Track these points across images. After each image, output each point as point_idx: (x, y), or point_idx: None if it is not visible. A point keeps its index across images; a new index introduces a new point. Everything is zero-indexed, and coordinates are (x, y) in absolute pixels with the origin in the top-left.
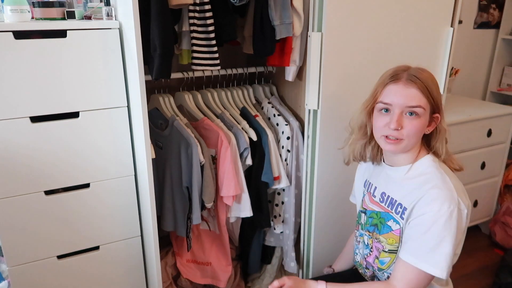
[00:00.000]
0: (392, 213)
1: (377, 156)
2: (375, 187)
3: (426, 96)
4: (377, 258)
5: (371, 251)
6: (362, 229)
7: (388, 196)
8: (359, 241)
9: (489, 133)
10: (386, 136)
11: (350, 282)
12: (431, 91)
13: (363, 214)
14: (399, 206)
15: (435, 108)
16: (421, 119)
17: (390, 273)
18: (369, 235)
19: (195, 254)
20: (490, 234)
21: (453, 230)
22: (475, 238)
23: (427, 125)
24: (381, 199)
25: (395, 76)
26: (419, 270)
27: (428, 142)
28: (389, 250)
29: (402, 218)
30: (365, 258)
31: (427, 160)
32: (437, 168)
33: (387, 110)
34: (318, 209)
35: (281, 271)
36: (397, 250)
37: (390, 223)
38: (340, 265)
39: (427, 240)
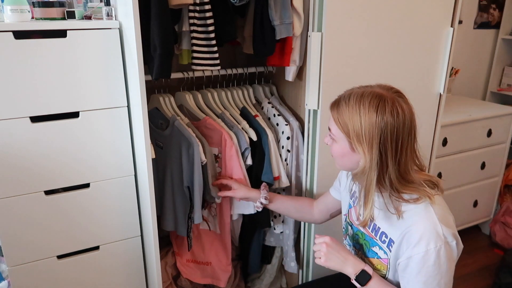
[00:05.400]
0: (377, 240)
1: None
2: (361, 205)
3: (338, 124)
4: None
5: None
6: (350, 239)
7: (371, 220)
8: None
9: (489, 133)
10: None
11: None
12: (345, 119)
13: (349, 227)
14: (384, 235)
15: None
16: (336, 144)
17: None
18: (355, 251)
19: (195, 254)
20: (490, 234)
21: (443, 267)
22: (475, 238)
23: (353, 154)
24: None
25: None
26: None
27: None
28: (377, 270)
29: (390, 250)
30: None
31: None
32: (421, 198)
33: None
34: None
35: (281, 271)
36: (385, 276)
37: (376, 249)
38: (276, 203)
39: (421, 282)
